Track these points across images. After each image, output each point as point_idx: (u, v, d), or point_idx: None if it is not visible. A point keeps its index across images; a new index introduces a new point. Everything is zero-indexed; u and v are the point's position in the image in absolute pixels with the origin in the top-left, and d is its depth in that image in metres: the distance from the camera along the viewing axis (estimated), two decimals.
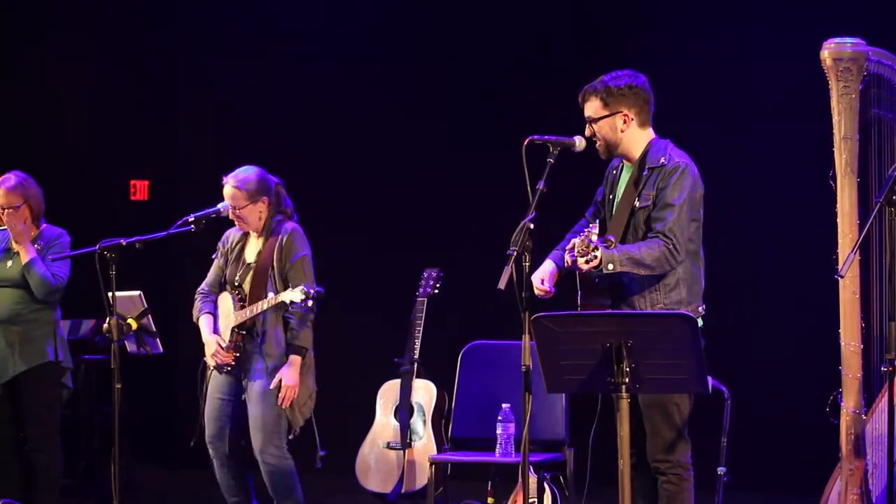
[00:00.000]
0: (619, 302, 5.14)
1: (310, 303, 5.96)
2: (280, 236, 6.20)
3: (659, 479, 5.17)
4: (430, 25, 8.65)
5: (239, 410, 6.22)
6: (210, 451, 6.28)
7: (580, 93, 5.23)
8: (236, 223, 6.26)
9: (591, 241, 4.71)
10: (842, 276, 5.01)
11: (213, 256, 6.43)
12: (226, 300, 6.27)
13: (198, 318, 6.32)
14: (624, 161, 5.28)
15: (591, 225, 4.79)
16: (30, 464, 6.63)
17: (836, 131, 5.32)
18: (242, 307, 6.18)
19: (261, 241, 6.27)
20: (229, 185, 6.22)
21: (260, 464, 6.17)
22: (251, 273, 6.21)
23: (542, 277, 5.18)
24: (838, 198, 5.31)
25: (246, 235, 6.35)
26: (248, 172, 6.25)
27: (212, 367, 6.24)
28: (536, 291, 5.10)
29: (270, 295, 6.07)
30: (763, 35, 7.79)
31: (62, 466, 6.69)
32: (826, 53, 5.25)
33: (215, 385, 6.25)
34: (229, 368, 6.18)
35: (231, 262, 6.32)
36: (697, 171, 5.18)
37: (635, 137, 5.20)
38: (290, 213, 6.33)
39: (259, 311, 6.10)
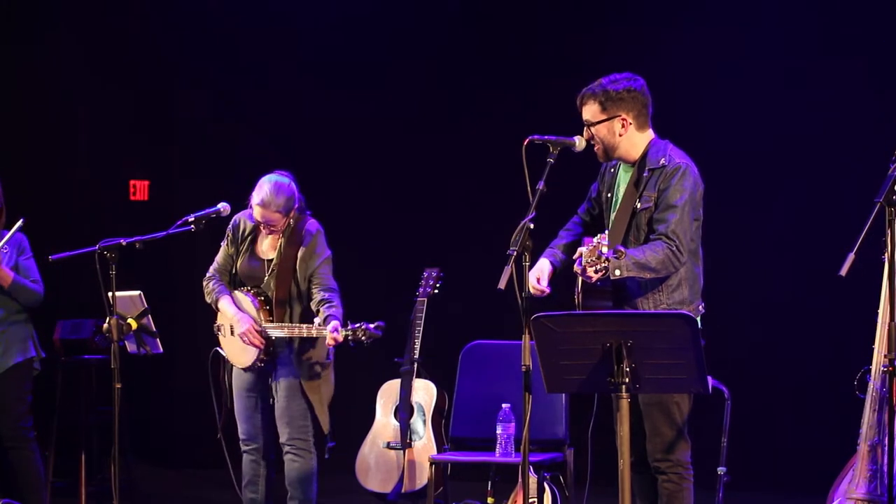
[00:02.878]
0: (622, 303, 5.14)
1: (368, 342, 5.90)
2: (305, 239, 6.13)
3: (659, 479, 5.17)
4: (429, 27, 8.65)
5: (267, 406, 6.21)
6: (244, 447, 6.27)
7: (578, 96, 5.22)
8: (265, 230, 6.16)
9: (601, 252, 4.65)
10: (842, 276, 5.00)
11: (222, 242, 6.36)
12: (244, 301, 6.19)
13: (216, 300, 6.22)
14: (621, 161, 5.29)
15: (600, 235, 4.73)
16: (9, 465, 6.67)
17: None
18: (268, 312, 6.11)
19: (280, 240, 6.19)
20: (266, 191, 6.08)
21: (284, 455, 6.17)
22: (274, 275, 6.14)
23: (538, 276, 5.18)
24: None
25: (259, 226, 6.26)
26: (280, 193, 6.09)
27: (230, 363, 6.22)
28: (532, 291, 5.10)
29: (316, 321, 5.95)
30: (764, 32, 7.80)
31: (42, 463, 6.70)
32: None
33: (242, 382, 6.23)
34: (261, 364, 6.15)
35: (243, 253, 6.26)
36: (697, 171, 5.19)
37: (633, 140, 5.21)
38: (304, 206, 6.29)
39: (297, 334, 6.04)
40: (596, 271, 4.71)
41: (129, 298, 6.26)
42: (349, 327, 5.90)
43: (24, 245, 6.62)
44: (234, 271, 6.29)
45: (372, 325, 5.91)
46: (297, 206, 6.18)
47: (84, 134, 9.22)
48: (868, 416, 5.30)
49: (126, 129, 9.17)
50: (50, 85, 9.17)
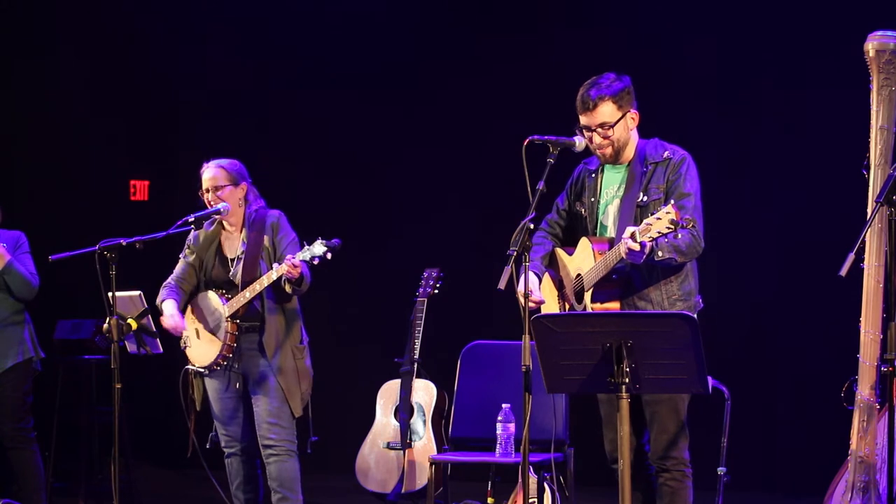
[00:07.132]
0: (631, 294, 5.13)
1: (329, 255, 5.75)
2: (269, 222, 6.15)
3: (661, 477, 5.16)
4: (427, 24, 8.66)
5: (248, 406, 6.21)
6: (228, 450, 6.28)
7: (587, 101, 5.15)
8: (215, 206, 6.16)
9: (673, 220, 4.61)
10: (842, 276, 5.01)
11: (181, 255, 6.36)
12: (211, 299, 6.20)
13: (160, 303, 6.23)
14: (605, 163, 5.27)
15: (670, 205, 4.66)
16: (9, 465, 6.68)
17: (873, 121, 5.31)
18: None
19: (242, 233, 6.20)
20: (211, 167, 6.21)
21: (272, 456, 6.14)
22: (241, 263, 6.12)
23: (531, 289, 5.15)
24: (871, 187, 5.30)
25: (219, 231, 6.28)
26: (222, 160, 6.24)
27: (195, 372, 6.21)
28: (530, 304, 5.02)
29: (275, 265, 5.92)
30: (763, 32, 7.80)
31: (41, 462, 6.71)
32: (870, 45, 5.26)
33: (214, 387, 6.23)
34: (224, 362, 6.14)
35: (209, 260, 6.24)
36: None
37: (635, 135, 5.23)
38: (264, 207, 6.28)
39: (266, 284, 5.94)
40: (650, 239, 4.69)
41: (129, 298, 6.26)
42: (305, 247, 5.81)
43: (21, 241, 6.63)
44: (203, 279, 6.25)
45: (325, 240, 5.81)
46: (246, 183, 6.20)
47: (84, 134, 9.22)
48: (857, 426, 5.28)
49: (126, 129, 9.17)
50: (50, 85, 9.18)
